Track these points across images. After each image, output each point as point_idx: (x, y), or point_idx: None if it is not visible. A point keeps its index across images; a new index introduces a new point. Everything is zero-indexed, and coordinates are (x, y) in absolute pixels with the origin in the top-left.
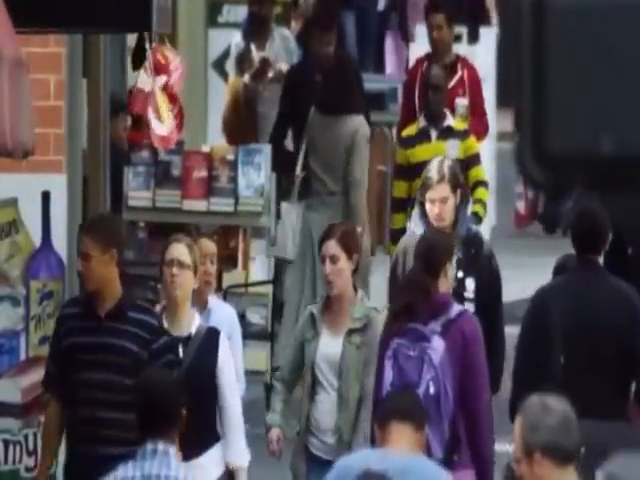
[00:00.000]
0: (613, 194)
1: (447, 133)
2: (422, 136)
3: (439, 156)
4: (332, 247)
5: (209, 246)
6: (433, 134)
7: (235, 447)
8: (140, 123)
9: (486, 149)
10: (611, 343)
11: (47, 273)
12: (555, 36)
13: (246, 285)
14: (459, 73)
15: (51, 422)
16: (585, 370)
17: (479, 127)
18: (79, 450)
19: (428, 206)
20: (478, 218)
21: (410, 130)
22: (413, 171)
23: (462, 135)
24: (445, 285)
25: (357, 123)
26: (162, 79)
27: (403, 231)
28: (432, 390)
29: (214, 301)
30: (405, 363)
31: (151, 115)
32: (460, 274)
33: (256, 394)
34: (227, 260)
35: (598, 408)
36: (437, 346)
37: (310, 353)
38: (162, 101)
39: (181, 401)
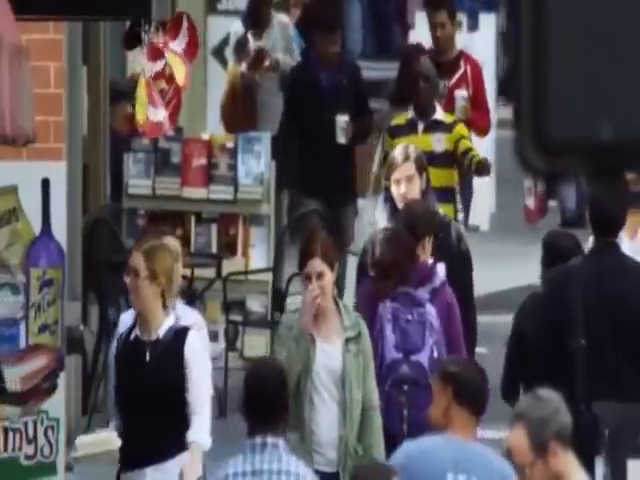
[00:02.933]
0: (613, 181)
1: (434, 126)
2: (409, 127)
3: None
4: (317, 265)
5: (173, 246)
6: (420, 126)
7: (196, 428)
8: None
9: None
10: (632, 326)
11: (47, 261)
12: (555, 23)
13: (246, 272)
14: (462, 69)
15: None
16: (607, 353)
17: (482, 123)
18: None
19: (394, 188)
20: (470, 150)
21: (399, 119)
22: None
23: (449, 127)
24: (422, 259)
25: None
26: (158, 65)
27: None
28: (436, 354)
29: (178, 305)
30: (407, 327)
31: (144, 100)
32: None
33: None
34: (227, 248)
35: (621, 390)
36: (432, 312)
37: (307, 362)
38: (156, 87)
39: (287, 393)
